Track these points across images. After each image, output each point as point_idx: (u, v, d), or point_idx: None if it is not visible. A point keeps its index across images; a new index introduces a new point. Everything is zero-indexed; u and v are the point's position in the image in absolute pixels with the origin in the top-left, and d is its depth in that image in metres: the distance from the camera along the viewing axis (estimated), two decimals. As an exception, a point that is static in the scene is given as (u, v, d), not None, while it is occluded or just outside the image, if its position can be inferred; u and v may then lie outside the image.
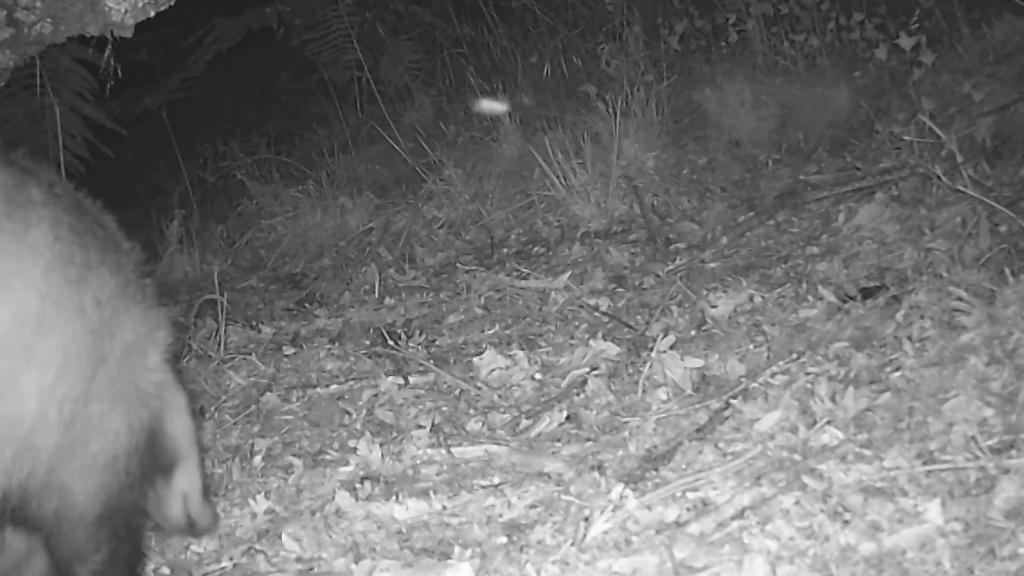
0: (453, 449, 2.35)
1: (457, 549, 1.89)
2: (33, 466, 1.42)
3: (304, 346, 3.19)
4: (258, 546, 2.08)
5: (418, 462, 2.34)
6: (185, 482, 1.77)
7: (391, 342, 3.08)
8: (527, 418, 2.46)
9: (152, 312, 1.64)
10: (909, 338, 2.19)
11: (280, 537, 2.09)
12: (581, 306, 3.09)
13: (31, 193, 1.48)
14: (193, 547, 2.16)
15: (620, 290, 3.16)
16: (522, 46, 5.27)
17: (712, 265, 3.18)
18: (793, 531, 1.68)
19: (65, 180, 1.67)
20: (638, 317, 2.94)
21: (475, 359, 2.78)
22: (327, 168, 4.82)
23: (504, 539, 1.91)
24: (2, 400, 1.37)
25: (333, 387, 2.84)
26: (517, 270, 3.48)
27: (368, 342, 3.15)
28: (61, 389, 1.42)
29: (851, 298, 2.56)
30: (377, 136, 4.89)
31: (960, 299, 2.21)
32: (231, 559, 2.06)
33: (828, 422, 1.97)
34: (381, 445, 2.40)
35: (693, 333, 2.72)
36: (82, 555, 1.52)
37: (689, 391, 2.39)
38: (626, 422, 2.31)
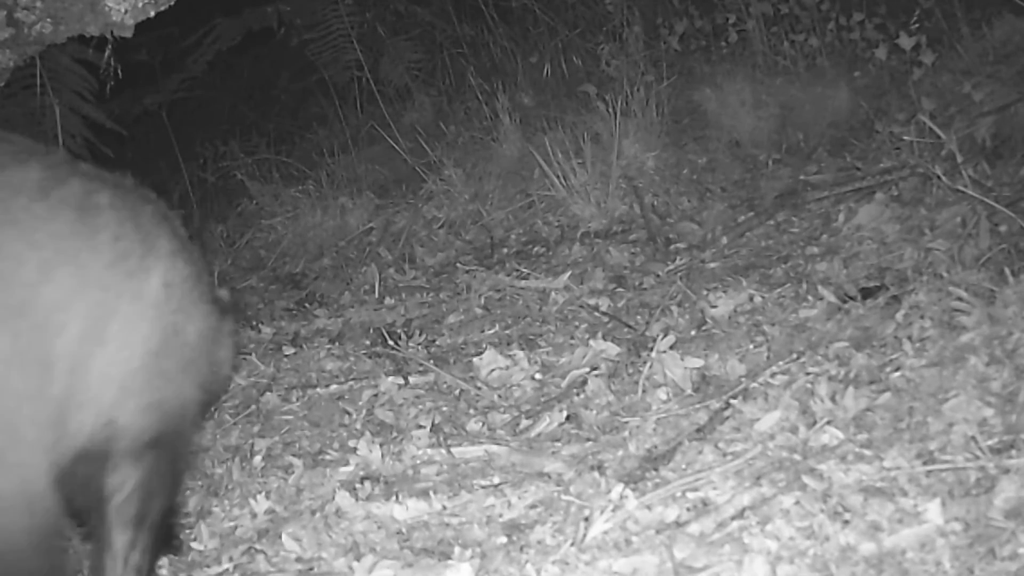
0: (453, 449, 2.35)
1: (457, 549, 1.89)
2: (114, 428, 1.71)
3: (304, 346, 3.19)
4: (258, 546, 2.08)
5: (418, 462, 2.34)
6: None
7: (391, 342, 3.08)
8: (527, 418, 2.46)
9: (214, 295, 1.96)
10: (909, 338, 2.19)
11: (280, 537, 2.09)
12: (581, 306, 3.09)
13: (98, 199, 1.73)
14: (193, 547, 2.17)
15: (620, 290, 3.16)
16: (522, 46, 5.27)
17: (712, 265, 3.18)
18: (793, 531, 1.68)
19: (132, 182, 1.92)
20: (638, 317, 2.94)
21: (475, 359, 2.78)
22: (327, 168, 4.82)
23: (504, 539, 1.91)
24: (76, 375, 1.62)
25: (333, 387, 2.84)
26: (517, 270, 3.48)
27: (368, 342, 3.16)
28: (127, 361, 1.70)
29: (851, 298, 2.56)
30: (377, 136, 4.89)
31: (960, 299, 2.21)
32: (231, 559, 2.06)
33: (828, 422, 1.97)
34: (381, 445, 2.40)
35: (693, 333, 2.72)
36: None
37: (689, 391, 2.39)
38: (626, 422, 2.31)
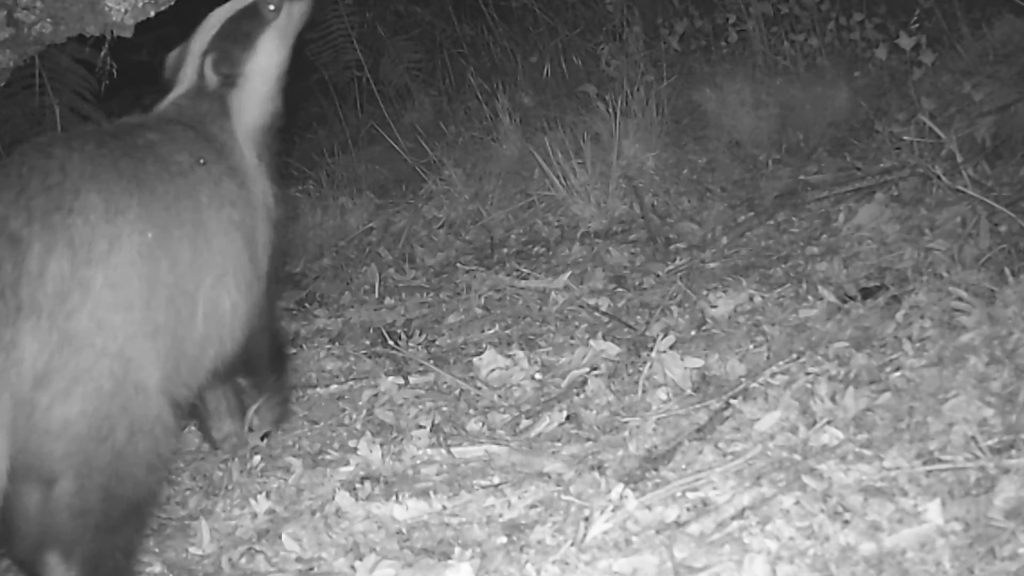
0: (453, 449, 2.35)
1: (457, 549, 1.89)
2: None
3: (304, 346, 3.19)
4: (258, 546, 2.08)
5: (418, 462, 2.34)
6: None
7: (391, 342, 3.08)
8: (527, 418, 2.46)
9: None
10: (909, 338, 2.19)
11: (280, 537, 2.09)
12: (581, 306, 3.09)
13: (186, 164, 2.09)
14: (192, 548, 2.17)
15: (620, 290, 3.16)
16: (522, 46, 5.27)
17: (712, 265, 3.18)
18: (793, 531, 1.68)
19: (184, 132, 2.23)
20: (638, 317, 2.94)
21: (475, 359, 2.78)
22: (327, 168, 4.82)
23: (504, 539, 1.91)
24: (219, 316, 2.09)
25: (333, 387, 2.84)
26: (517, 270, 3.48)
27: (368, 342, 3.16)
28: (241, 291, 2.16)
29: (851, 298, 2.56)
30: (377, 136, 4.89)
31: (960, 299, 2.21)
32: (231, 559, 2.06)
33: (828, 422, 1.97)
34: (381, 445, 2.40)
35: (693, 333, 2.72)
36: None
37: (689, 391, 2.39)
38: (626, 422, 2.31)
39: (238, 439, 2.53)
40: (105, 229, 1.85)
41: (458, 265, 3.70)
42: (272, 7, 2.40)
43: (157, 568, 2.11)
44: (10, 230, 1.81)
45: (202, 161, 2.07)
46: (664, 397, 2.39)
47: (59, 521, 1.86)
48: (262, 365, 2.50)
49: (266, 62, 2.41)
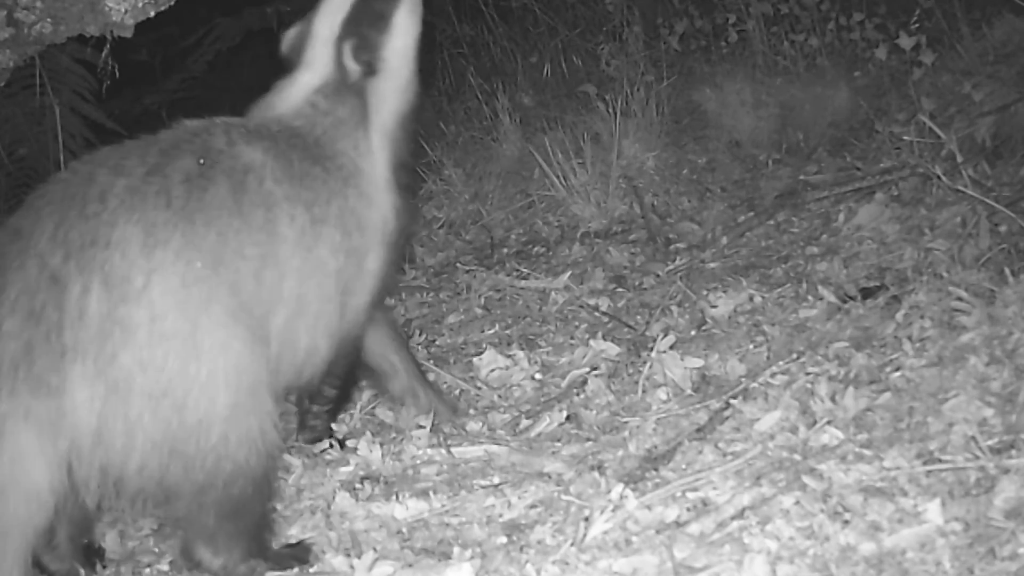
0: (453, 449, 2.35)
1: (457, 549, 1.89)
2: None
3: (304, 346, 3.19)
4: (258, 546, 2.08)
5: (418, 462, 2.34)
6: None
7: (391, 342, 3.07)
8: (527, 418, 2.46)
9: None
10: (909, 338, 2.19)
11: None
12: (581, 306, 3.09)
13: (267, 186, 1.98)
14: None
15: (620, 290, 3.16)
16: (522, 46, 5.27)
17: (712, 265, 3.18)
18: (793, 531, 1.68)
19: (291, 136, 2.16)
20: (638, 317, 2.94)
21: (475, 359, 2.78)
22: (327, 168, 4.81)
23: (504, 539, 1.91)
24: (294, 343, 2.05)
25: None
26: (517, 270, 3.48)
27: (368, 342, 3.15)
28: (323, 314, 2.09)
29: (851, 298, 2.56)
30: (377, 136, 4.87)
31: (960, 299, 2.21)
32: (231, 559, 2.06)
33: (828, 422, 1.97)
34: (381, 445, 2.40)
35: (693, 333, 2.72)
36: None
37: (689, 391, 2.39)
38: (626, 422, 2.31)
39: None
40: (142, 264, 1.77)
41: (458, 265, 3.70)
42: None
43: (164, 567, 2.11)
44: (50, 268, 1.76)
45: (202, 161, 1.95)
46: (664, 397, 2.39)
47: (189, 520, 1.92)
48: (330, 380, 2.43)
49: (403, 42, 2.24)
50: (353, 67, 2.19)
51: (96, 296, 1.74)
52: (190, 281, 1.80)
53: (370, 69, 2.19)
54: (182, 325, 1.78)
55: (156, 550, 2.20)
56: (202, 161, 1.94)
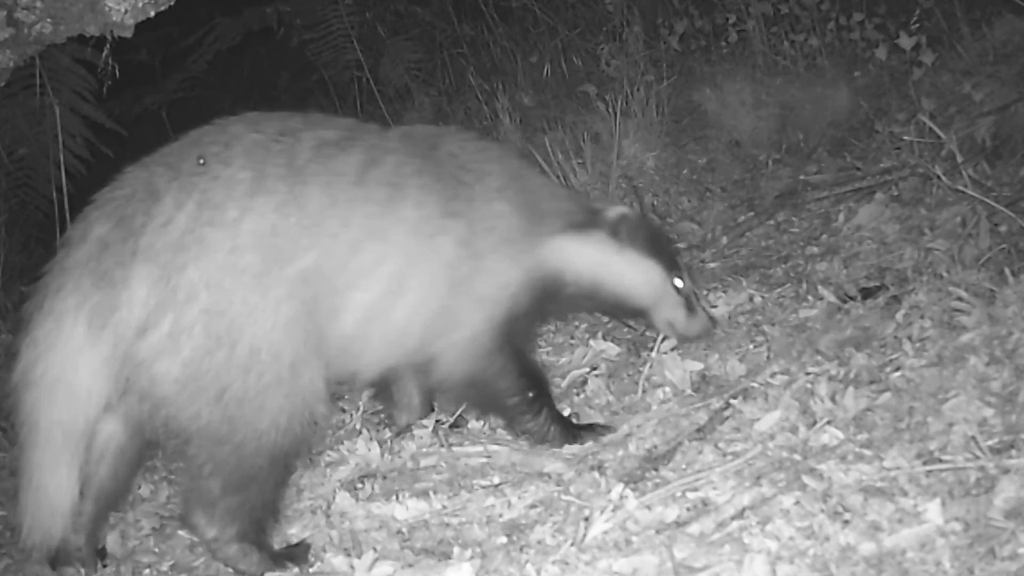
0: (453, 449, 2.35)
1: (457, 549, 1.89)
2: (404, 355, 2.21)
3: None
4: (258, 546, 2.08)
5: (418, 462, 2.34)
6: (664, 314, 2.48)
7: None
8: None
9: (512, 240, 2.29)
10: (909, 338, 2.19)
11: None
12: (581, 306, 3.08)
13: (407, 171, 2.12)
14: (193, 548, 2.17)
15: (620, 290, 3.15)
16: (522, 46, 5.27)
17: (712, 265, 3.18)
18: (793, 531, 1.68)
19: (461, 143, 2.33)
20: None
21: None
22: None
23: (504, 539, 1.91)
24: (388, 320, 2.09)
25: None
26: (517, 270, 3.47)
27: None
28: (421, 309, 2.13)
29: (851, 298, 2.56)
30: (377, 136, 4.87)
31: (960, 299, 2.21)
32: (231, 559, 2.06)
33: (828, 422, 1.97)
34: (381, 445, 2.39)
35: (693, 334, 2.71)
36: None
37: (689, 391, 2.39)
38: (626, 422, 2.31)
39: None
40: (242, 201, 1.91)
41: (458, 265, 3.69)
42: None
43: (164, 567, 2.12)
44: (153, 185, 1.93)
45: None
46: (664, 397, 2.39)
47: (197, 481, 1.95)
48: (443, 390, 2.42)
49: None
50: None
51: (187, 213, 1.88)
52: (280, 232, 1.93)
53: None
54: (257, 265, 1.90)
55: (156, 550, 2.20)
56: (342, 135, 2.09)
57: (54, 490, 1.90)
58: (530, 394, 2.30)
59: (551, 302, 2.41)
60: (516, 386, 2.29)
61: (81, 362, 1.87)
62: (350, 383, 2.41)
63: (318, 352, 1.98)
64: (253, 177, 1.95)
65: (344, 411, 2.68)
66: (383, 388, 2.54)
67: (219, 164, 1.95)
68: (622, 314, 2.69)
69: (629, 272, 2.42)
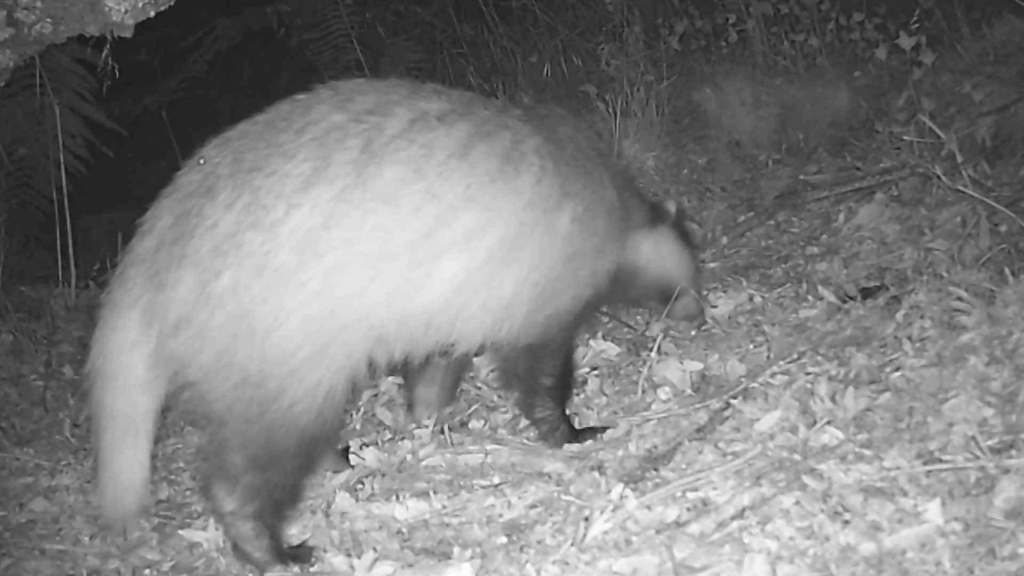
0: (453, 449, 2.35)
1: (457, 549, 1.89)
2: (509, 324, 2.15)
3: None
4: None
5: (418, 462, 2.34)
6: (690, 297, 2.63)
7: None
8: (527, 418, 2.46)
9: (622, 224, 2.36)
10: (909, 338, 2.19)
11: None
12: (581, 306, 3.08)
13: (525, 148, 2.11)
14: (193, 548, 2.17)
15: (620, 290, 3.15)
16: (522, 46, 5.27)
17: (712, 265, 3.18)
18: (793, 531, 1.68)
19: (576, 129, 2.36)
20: (638, 317, 2.94)
21: (475, 359, 2.78)
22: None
23: (504, 539, 1.91)
24: (492, 289, 2.05)
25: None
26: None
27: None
28: (532, 277, 2.12)
29: (851, 298, 2.56)
30: (377, 136, 4.87)
31: (960, 299, 2.21)
32: (232, 558, 2.06)
33: (828, 422, 1.97)
34: (381, 445, 2.39)
35: (693, 333, 2.72)
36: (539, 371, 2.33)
37: (689, 391, 2.39)
38: (626, 422, 2.31)
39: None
40: (292, 198, 1.88)
41: (458, 265, 3.69)
42: None
43: (165, 567, 2.12)
44: (214, 179, 1.93)
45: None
46: (664, 397, 2.39)
47: (222, 454, 1.98)
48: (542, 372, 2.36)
49: None
50: None
51: (234, 214, 1.88)
52: (335, 221, 1.88)
53: None
54: (291, 264, 1.87)
55: (157, 550, 2.20)
56: (450, 109, 2.05)
57: (124, 470, 2.02)
58: (560, 383, 2.35)
59: (616, 291, 2.46)
60: (559, 369, 2.34)
61: (137, 355, 1.95)
62: (447, 355, 2.35)
63: (366, 337, 1.96)
64: (314, 168, 1.90)
65: (345, 411, 2.68)
66: (410, 375, 2.54)
67: (280, 158, 1.91)
68: (655, 300, 2.68)
69: (685, 262, 2.61)
